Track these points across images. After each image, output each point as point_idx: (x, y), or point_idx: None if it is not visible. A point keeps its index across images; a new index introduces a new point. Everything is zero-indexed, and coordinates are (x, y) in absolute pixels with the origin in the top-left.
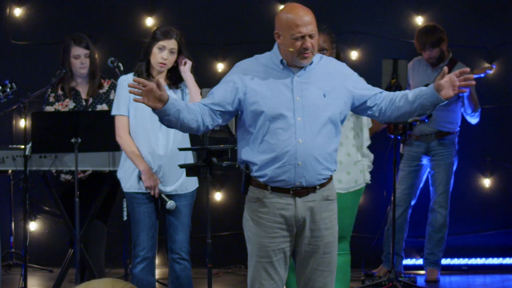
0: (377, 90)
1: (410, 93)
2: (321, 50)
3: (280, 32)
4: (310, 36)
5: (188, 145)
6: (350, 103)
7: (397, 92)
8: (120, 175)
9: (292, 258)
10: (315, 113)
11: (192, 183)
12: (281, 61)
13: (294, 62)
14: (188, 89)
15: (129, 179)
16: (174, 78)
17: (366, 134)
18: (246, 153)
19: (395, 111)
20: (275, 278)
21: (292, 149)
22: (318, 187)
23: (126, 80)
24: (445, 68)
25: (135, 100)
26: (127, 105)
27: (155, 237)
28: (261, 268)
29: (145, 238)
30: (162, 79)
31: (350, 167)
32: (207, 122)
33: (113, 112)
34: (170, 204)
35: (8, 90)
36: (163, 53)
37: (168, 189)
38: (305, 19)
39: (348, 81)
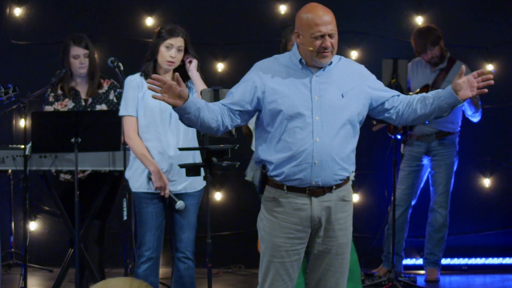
0: (394, 92)
1: (427, 96)
2: None
3: (300, 31)
4: (330, 36)
5: (196, 144)
6: (368, 104)
7: (415, 95)
8: (128, 175)
9: (304, 259)
10: (333, 113)
11: (200, 182)
12: (300, 61)
13: (313, 61)
14: (196, 88)
15: (138, 179)
16: (180, 77)
17: None
18: (263, 152)
19: (412, 114)
20: (285, 279)
21: (309, 148)
22: (334, 187)
23: (134, 80)
24: (463, 67)
25: (154, 97)
26: (135, 105)
27: (161, 237)
28: (273, 268)
29: (151, 238)
30: (168, 78)
31: None
32: (226, 122)
33: (121, 113)
34: (180, 204)
35: (11, 92)
36: (171, 52)
37: (178, 187)
38: (325, 19)
39: (366, 82)
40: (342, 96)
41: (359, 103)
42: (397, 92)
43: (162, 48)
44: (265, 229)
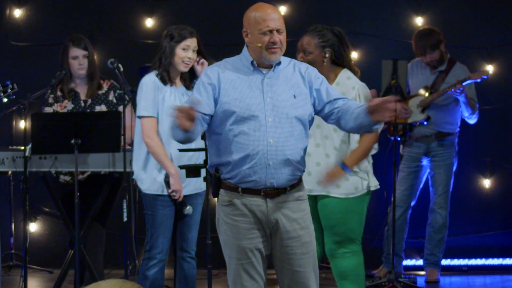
0: (338, 96)
1: (358, 109)
2: (304, 52)
3: (248, 29)
4: (278, 32)
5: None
6: (313, 106)
7: (356, 103)
8: (140, 176)
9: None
10: (286, 114)
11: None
12: (252, 63)
13: (263, 58)
14: None
15: (153, 182)
16: (188, 79)
17: (355, 137)
18: (217, 155)
19: (348, 123)
20: (256, 277)
21: (263, 149)
22: (289, 188)
23: (154, 81)
24: (373, 91)
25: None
26: (156, 106)
27: (170, 240)
28: (242, 270)
29: (165, 241)
30: (178, 80)
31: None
32: (199, 131)
33: (141, 114)
34: (189, 209)
35: (10, 90)
36: (188, 53)
37: (190, 189)
38: (273, 15)
39: (315, 83)
40: (295, 96)
41: (309, 103)
42: (343, 97)
43: (179, 50)
44: (226, 233)
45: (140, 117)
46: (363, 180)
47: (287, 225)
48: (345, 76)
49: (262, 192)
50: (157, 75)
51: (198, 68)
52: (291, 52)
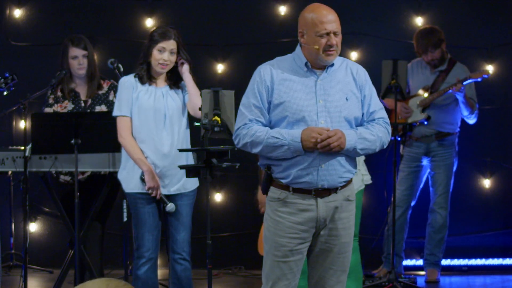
0: (375, 109)
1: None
2: None
3: (304, 30)
4: (335, 34)
5: (189, 146)
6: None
7: (372, 128)
8: (121, 176)
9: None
10: (338, 117)
11: (192, 182)
12: (306, 64)
13: (319, 60)
14: (188, 90)
15: (131, 180)
16: (174, 78)
17: None
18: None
19: None
20: (289, 277)
21: (315, 152)
22: (339, 188)
23: (128, 81)
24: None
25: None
26: (129, 106)
27: (159, 237)
28: (277, 267)
29: (150, 238)
30: (162, 79)
31: (359, 165)
32: None
33: (115, 113)
34: (170, 206)
35: (10, 82)
36: (163, 55)
37: (172, 189)
38: (330, 17)
39: (364, 89)
40: (347, 99)
41: (359, 106)
42: (376, 115)
43: (155, 51)
44: (269, 229)
45: (115, 117)
46: (363, 176)
47: (332, 224)
48: None
49: (313, 191)
50: (135, 75)
51: (180, 69)
52: (291, 51)
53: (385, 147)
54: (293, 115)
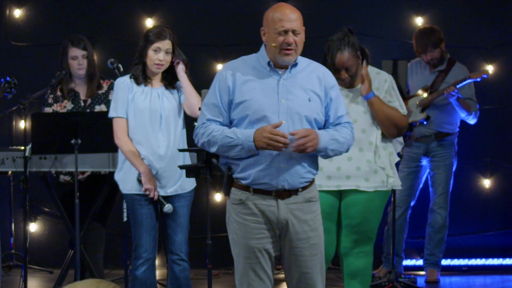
0: (342, 114)
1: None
2: (346, 69)
3: (265, 29)
4: (294, 33)
5: (186, 146)
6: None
7: (336, 131)
8: (118, 177)
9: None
10: (299, 117)
11: (190, 183)
12: (268, 63)
13: (277, 59)
14: (183, 90)
15: (129, 181)
16: (170, 78)
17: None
18: None
19: None
20: (263, 278)
21: (275, 152)
22: (300, 189)
23: (124, 82)
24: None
25: None
26: (125, 107)
27: (156, 238)
28: (249, 269)
29: (148, 239)
30: (157, 80)
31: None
32: None
33: (111, 115)
34: (168, 207)
35: (13, 86)
36: (159, 55)
37: (169, 190)
38: (290, 16)
39: (332, 91)
40: (309, 100)
41: (322, 108)
42: (342, 121)
43: (150, 52)
44: (236, 232)
45: (111, 118)
46: (388, 177)
47: (297, 226)
48: (374, 72)
49: (273, 193)
50: (130, 76)
51: (176, 68)
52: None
53: (348, 151)
54: (254, 114)
